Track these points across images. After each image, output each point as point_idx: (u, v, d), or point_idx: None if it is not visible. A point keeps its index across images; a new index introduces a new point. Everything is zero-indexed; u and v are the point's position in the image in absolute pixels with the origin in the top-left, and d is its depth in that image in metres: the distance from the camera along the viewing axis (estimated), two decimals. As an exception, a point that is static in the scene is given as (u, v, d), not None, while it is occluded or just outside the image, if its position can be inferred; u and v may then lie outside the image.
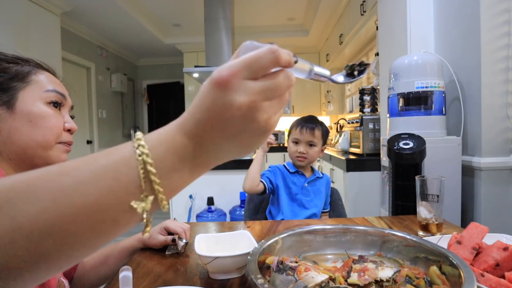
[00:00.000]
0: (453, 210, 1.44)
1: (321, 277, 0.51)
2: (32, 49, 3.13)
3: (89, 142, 4.69)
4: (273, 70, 0.27)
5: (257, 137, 0.28)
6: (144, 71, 6.38)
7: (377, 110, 2.63)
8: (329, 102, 5.06)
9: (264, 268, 0.57)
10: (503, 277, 0.55)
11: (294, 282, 0.50)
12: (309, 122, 1.39)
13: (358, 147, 2.40)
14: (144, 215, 0.26)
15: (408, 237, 0.62)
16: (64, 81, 0.67)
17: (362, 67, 0.37)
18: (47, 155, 0.60)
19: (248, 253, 0.57)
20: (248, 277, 0.67)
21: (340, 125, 3.53)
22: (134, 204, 0.25)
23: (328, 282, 0.52)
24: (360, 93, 2.76)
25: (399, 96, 1.60)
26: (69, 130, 0.64)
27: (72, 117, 0.67)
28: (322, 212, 1.46)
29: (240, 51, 0.28)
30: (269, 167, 1.45)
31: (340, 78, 0.38)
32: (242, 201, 2.41)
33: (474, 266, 0.60)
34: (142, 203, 0.26)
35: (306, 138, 1.36)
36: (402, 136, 1.42)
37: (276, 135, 4.58)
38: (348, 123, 2.66)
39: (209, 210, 2.39)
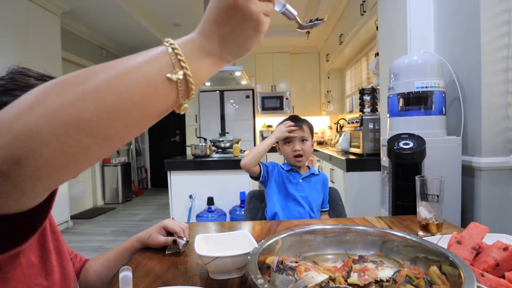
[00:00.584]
0: (453, 210, 1.44)
1: (321, 277, 0.51)
2: (32, 49, 3.14)
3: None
4: None
5: (253, 30, 0.37)
6: (144, 71, 6.38)
7: (377, 110, 2.63)
8: (329, 102, 5.06)
9: (264, 268, 0.57)
10: (503, 277, 0.55)
11: (294, 282, 0.50)
12: (295, 121, 1.43)
13: (358, 147, 2.40)
14: (175, 77, 0.34)
15: (408, 237, 0.62)
16: None
17: (319, 20, 0.50)
18: None
19: (248, 253, 0.57)
20: (248, 277, 0.67)
21: (340, 125, 3.53)
22: (169, 75, 0.34)
23: (328, 282, 0.52)
24: (360, 93, 2.76)
25: (399, 96, 1.60)
26: None
27: None
28: (322, 212, 1.46)
29: None
30: (270, 162, 1.48)
31: (301, 22, 0.49)
32: (242, 201, 2.41)
33: (474, 266, 0.60)
34: (175, 74, 0.34)
35: (298, 135, 1.39)
36: (402, 136, 1.42)
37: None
38: (348, 123, 2.66)
39: (209, 210, 2.39)
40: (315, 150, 3.70)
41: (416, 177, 0.91)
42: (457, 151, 1.46)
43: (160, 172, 6.41)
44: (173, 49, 0.34)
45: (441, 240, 0.75)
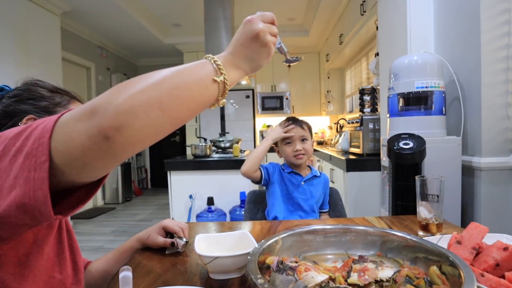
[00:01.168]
0: (453, 210, 1.44)
1: (321, 277, 0.51)
2: (32, 49, 3.14)
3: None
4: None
5: (266, 53, 0.54)
6: (144, 71, 6.30)
7: (377, 110, 2.63)
8: (329, 102, 5.06)
9: (264, 268, 0.57)
10: (503, 277, 0.55)
11: (294, 282, 0.50)
12: (294, 121, 1.43)
13: (358, 147, 2.40)
14: (219, 79, 0.48)
15: (408, 237, 0.62)
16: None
17: (298, 58, 0.67)
18: None
19: (248, 253, 0.57)
20: (248, 277, 0.67)
21: (340, 125, 3.53)
22: (215, 77, 0.48)
23: (328, 282, 0.52)
24: (360, 93, 2.76)
25: (399, 96, 1.60)
26: None
27: None
28: (321, 212, 1.46)
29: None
30: (269, 163, 1.47)
31: (288, 57, 0.65)
32: (242, 201, 2.41)
33: (474, 266, 0.60)
34: (218, 77, 0.48)
35: (297, 135, 1.39)
36: (402, 136, 1.42)
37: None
38: (348, 123, 2.66)
39: (209, 210, 2.39)
40: (315, 150, 3.71)
41: (416, 177, 0.91)
42: (457, 151, 1.46)
43: (160, 172, 6.42)
44: (214, 61, 0.49)
45: (441, 240, 0.75)
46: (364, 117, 2.32)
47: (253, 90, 5.29)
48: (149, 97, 0.40)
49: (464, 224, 1.44)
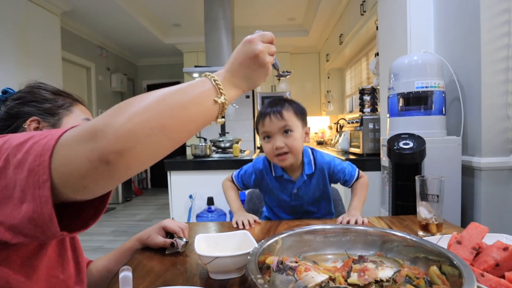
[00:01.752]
0: (453, 210, 1.44)
1: (321, 277, 0.51)
2: (32, 49, 3.14)
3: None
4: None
5: (264, 73, 0.55)
6: (144, 71, 6.38)
7: (377, 110, 2.63)
8: (329, 102, 5.06)
9: (264, 268, 0.57)
10: (503, 277, 0.55)
11: (294, 282, 0.50)
12: (273, 106, 1.06)
13: (358, 147, 2.40)
14: (220, 100, 0.49)
15: (408, 237, 0.62)
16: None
17: (288, 72, 0.70)
18: None
19: (248, 253, 0.57)
20: (248, 277, 0.67)
21: (340, 125, 3.53)
22: (216, 98, 0.49)
23: (328, 282, 0.52)
24: (360, 93, 2.76)
25: (399, 96, 1.60)
26: None
27: None
28: (349, 186, 1.21)
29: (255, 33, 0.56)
30: (251, 164, 1.24)
31: (280, 72, 0.67)
32: (242, 201, 2.40)
33: (474, 266, 0.60)
34: (219, 98, 0.49)
35: (276, 126, 1.04)
36: (402, 136, 1.42)
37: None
38: (348, 123, 2.66)
39: (209, 210, 2.39)
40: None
41: (416, 177, 0.91)
42: (457, 151, 1.46)
43: (160, 172, 6.40)
44: (214, 80, 0.49)
45: (441, 240, 0.75)
46: (364, 117, 2.32)
47: (253, 90, 5.29)
48: (150, 119, 0.39)
49: (464, 224, 1.43)
